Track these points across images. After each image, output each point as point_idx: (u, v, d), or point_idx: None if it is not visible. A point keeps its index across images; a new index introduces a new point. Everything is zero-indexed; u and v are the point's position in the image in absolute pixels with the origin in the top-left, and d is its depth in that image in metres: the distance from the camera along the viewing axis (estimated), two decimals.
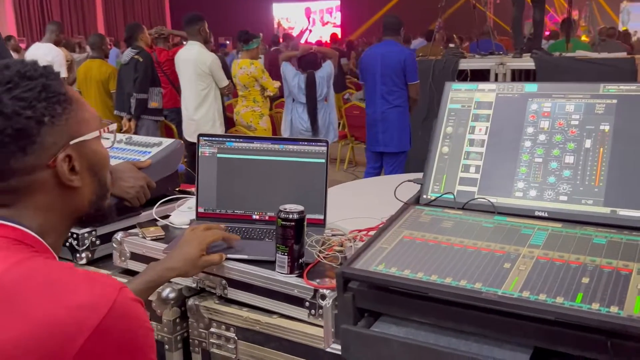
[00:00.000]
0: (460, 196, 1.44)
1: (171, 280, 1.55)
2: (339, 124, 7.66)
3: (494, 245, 1.23)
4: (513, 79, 5.58)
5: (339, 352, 1.27)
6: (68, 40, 9.31)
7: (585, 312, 0.98)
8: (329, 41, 12.26)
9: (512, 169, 1.42)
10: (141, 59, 5.25)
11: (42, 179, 0.95)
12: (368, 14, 16.86)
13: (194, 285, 1.54)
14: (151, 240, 1.64)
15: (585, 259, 1.14)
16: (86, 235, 1.69)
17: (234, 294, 1.47)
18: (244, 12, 16.53)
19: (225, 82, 5.04)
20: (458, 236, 1.28)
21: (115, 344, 0.84)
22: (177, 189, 2.05)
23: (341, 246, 1.56)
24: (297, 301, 1.37)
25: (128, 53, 5.42)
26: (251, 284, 1.44)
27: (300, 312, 1.37)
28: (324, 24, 18.95)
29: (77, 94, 1.03)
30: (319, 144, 1.69)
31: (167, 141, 2.00)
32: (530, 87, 1.49)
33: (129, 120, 5.34)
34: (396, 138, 4.69)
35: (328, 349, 1.30)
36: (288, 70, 5.05)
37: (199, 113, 4.97)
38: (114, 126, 1.16)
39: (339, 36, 12.42)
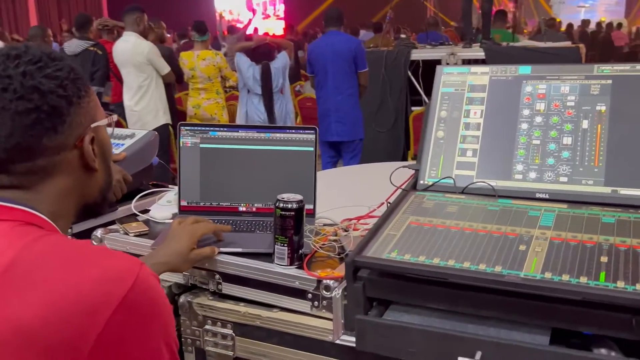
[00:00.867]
0: (458, 180, 1.42)
1: (160, 277, 1.48)
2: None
3: (504, 228, 1.21)
4: None
5: (349, 344, 1.23)
6: (2, 35, 8.86)
7: (612, 291, 0.98)
8: (282, 33, 12.16)
9: (510, 151, 1.41)
10: (100, 52, 5.04)
11: (67, 159, 0.93)
12: (312, 6, 16.82)
13: (183, 281, 1.47)
14: (135, 236, 1.55)
15: (599, 239, 1.13)
16: None
17: (229, 288, 1.41)
18: (184, 4, 16.18)
19: (167, 69, 4.88)
20: (466, 220, 1.26)
21: (141, 317, 0.82)
22: (151, 183, 1.96)
23: (335, 235, 1.51)
24: (299, 293, 1.32)
25: (79, 44, 5.17)
26: (248, 277, 1.38)
27: (303, 305, 1.32)
28: (267, 16, 18.79)
29: None
30: (307, 131, 1.64)
31: (140, 132, 1.90)
32: (524, 69, 1.48)
33: None
34: (350, 127, 4.70)
35: (337, 341, 1.25)
36: (242, 61, 4.95)
37: (141, 104, 4.81)
38: (115, 117, 1.10)
39: (285, 28, 12.33)
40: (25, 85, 0.87)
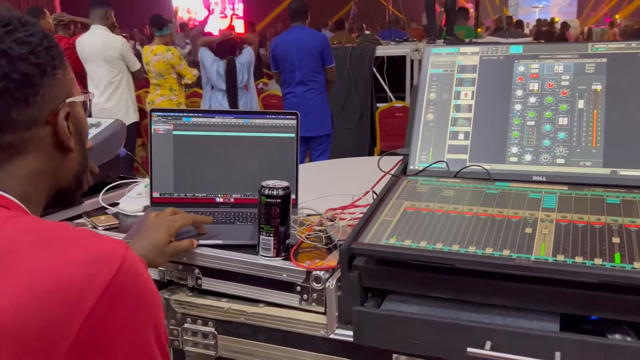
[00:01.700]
0: (451, 164, 1.36)
1: None
2: None
3: (506, 211, 1.15)
4: None
5: (344, 338, 1.14)
6: None
7: (630, 272, 0.92)
8: (243, 31, 11.99)
9: (504, 133, 1.35)
10: None
11: (39, 136, 0.83)
12: (272, 5, 16.67)
13: (159, 277, 1.36)
14: (104, 229, 1.43)
15: (607, 219, 1.08)
16: None
17: (210, 283, 1.31)
18: (141, 2, 15.83)
19: (137, 65, 4.74)
20: (464, 204, 1.19)
21: (128, 304, 0.72)
22: (118, 176, 1.83)
23: (321, 225, 1.43)
24: (287, 286, 1.23)
25: None
26: (230, 271, 1.28)
27: (291, 298, 1.23)
28: (225, 15, 18.54)
29: None
30: (288, 116, 1.55)
31: (106, 121, 1.78)
32: (516, 48, 1.42)
33: None
34: (318, 122, 4.61)
35: (332, 335, 1.17)
36: (206, 56, 4.81)
37: (112, 101, 4.63)
38: (92, 95, 0.99)
39: (245, 26, 12.13)
40: None
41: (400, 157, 1.45)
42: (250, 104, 4.91)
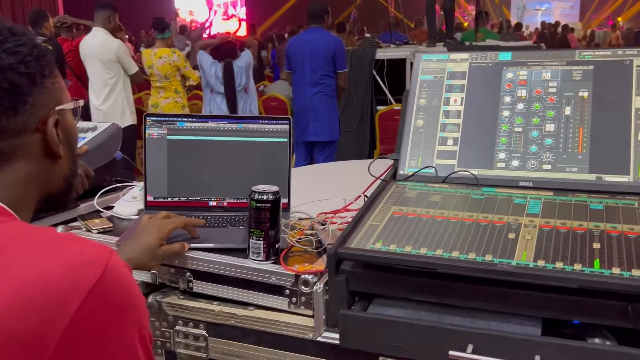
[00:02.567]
0: (439, 170, 1.38)
1: None
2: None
3: (491, 216, 1.17)
4: None
5: (332, 341, 1.16)
6: None
7: (608, 277, 0.94)
8: (246, 33, 12.02)
9: (492, 139, 1.37)
10: (51, 48, 4.84)
11: (28, 143, 0.85)
12: (274, 7, 16.71)
13: (151, 280, 1.38)
14: (98, 233, 1.46)
15: (589, 225, 1.10)
16: None
17: (201, 286, 1.33)
18: (144, 3, 15.88)
19: (134, 68, 4.76)
20: (451, 209, 1.21)
21: (113, 308, 0.74)
22: (114, 179, 1.86)
23: (312, 229, 1.45)
24: (276, 290, 1.25)
25: None
26: (221, 274, 1.30)
27: (280, 302, 1.25)
28: (229, 17, 18.58)
29: None
30: (281, 121, 1.57)
31: (102, 125, 1.80)
32: (505, 55, 1.44)
33: None
34: (327, 126, 4.60)
35: (319, 338, 1.19)
36: (205, 59, 4.84)
37: (107, 103, 4.66)
38: (82, 102, 1.01)
39: (247, 28, 12.17)
40: None
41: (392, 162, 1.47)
42: (250, 107, 4.93)
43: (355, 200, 1.53)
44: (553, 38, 12.70)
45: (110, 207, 1.63)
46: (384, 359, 1.14)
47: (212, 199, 1.58)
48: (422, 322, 1.04)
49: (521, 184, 1.31)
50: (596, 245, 1.03)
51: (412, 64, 5.77)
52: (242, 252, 1.31)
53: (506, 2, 21.17)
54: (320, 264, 1.25)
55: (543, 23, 15.52)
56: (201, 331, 1.32)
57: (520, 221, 1.14)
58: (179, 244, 1.31)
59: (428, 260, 1.04)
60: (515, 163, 1.34)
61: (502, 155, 1.35)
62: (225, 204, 1.58)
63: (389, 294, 1.12)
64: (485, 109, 1.40)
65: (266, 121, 1.57)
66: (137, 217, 1.57)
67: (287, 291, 1.24)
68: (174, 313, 1.34)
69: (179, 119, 1.57)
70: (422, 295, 1.09)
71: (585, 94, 1.34)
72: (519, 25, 13.38)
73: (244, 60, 4.81)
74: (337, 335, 1.13)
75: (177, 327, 1.34)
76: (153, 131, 1.56)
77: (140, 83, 5.09)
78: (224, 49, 4.79)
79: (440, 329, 1.02)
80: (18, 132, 0.83)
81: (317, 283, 1.18)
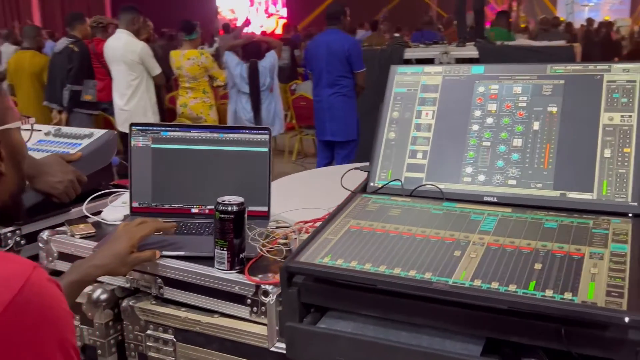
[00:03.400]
0: (408, 183, 1.39)
1: (103, 281, 1.45)
2: (287, 115, 7.59)
3: (443, 232, 1.17)
4: None
5: (284, 351, 1.19)
6: (11, 32, 8.86)
7: (539, 300, 0.94)
8: (280, 31, 12.15)
9: (460, 153, 1.37)
10: (76, 49, 5.01)
11: None
12: (314, 5, 16.76)
13: (127, 285, 1.44)
14: (80, 238, 1.52)
15: (537, 244, 1.09)
16: (9, 234, 1.56)
17: (171, 293, 1.38)
18: (186, 3, 16.16)
19: (157, 70, 4.87)
20: (406, 224, 1.22)
21: (30, 322, 0.77)
22: (111, 183, 1.93)
23: (286, 239, 1.48)
24: (238, 299, 1.29)
25: (63, 42, 5.17)
26: (188, 282, 1.35)
27: (242, 311, 1.29)
28: (269, 15, 18.75)
29: None
30: (261, 132, 1.61)
31: (98, 132, 1.87)
32: (477, 69, 1.44)
33: (60, 112, 5.09)
34: (343, 127, 4.64)
35: (273, 348, 1.22)
36: (231, 59, 4.92)
37: (131, 103, 4.79)
38: (32, 120, 1.07)
39: (288, 26, 12.31)
40: None
41: None
42: (274, 108, 4.99)
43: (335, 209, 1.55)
44: (597, 35, 12.33)
45: (100, 212, 1.69)
46: None
47: (195, 206, 1.62)
48: (361, 337, 1.05)
49: (486, 199, 1.31)
50: (537, 266, 1.02)
51: (441, 63, 5.78)
52: (212, 261, 1.35)
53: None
54: None
55: (588, 20, 15.09)
56: (170, 336, 1.37)
57: (470, 238, 1.14)
58: (149, 252, 1.36)
59: (368, 276, 1.06)
60: (481, 178, 1.34)
61: (469, 170, 1.35)
62: (206, 211, 1.62)
63: (338, 308, 1.15)
64: (455, 122, 1.40)
65: (247, 131, 1.61)
66: (122, 222, 1.63)
67: (249, 300, 1.27)
68: (145, 318, 1.39)
69: (163, 128, 1.62)
70: (367, 309, 1.11)
71: (555, 109, 1.33)
72: (569, 25, 13.04)
73: (269, 60, 4.87)
74: None
75: (148, 332, 1.39)
76: (138, 140, 1.62)
77: (162, 84, 5.19)
78: (250, 49, 4.86)
79: (379, 345, 1.04)
80: None
81: (270, 295, 1.22)
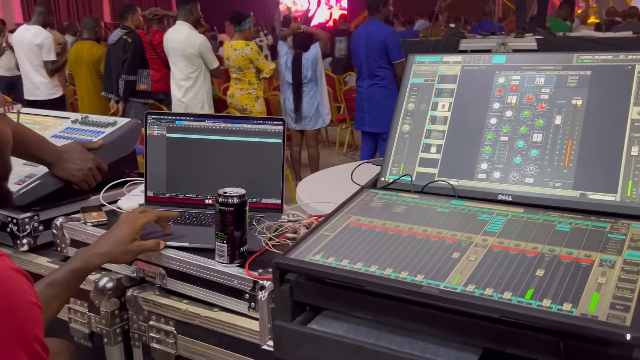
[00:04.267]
0: (419, 178, 1.31)
1: (111, 269, 1.45)
2: (340, 107, 7.53)
3: (445, 232, 1.10)
4: None
5: None
6: (72, 24, 9.17)
7: (534, 310, 0.86)
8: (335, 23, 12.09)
9: (476, 148, 1.29)
10: (130, 40, 5.11)
11: None
12: None
13: (134, 274, 1.43)
14: (92, 225, 1.53)
15: (544, 249, 1.01)
16: (27, 220, 1.58)
17: (173, 284, 1.36)
18: None
19: (215, 63, 4.91)
20: (408, 222, 1.15)
21: None
22: (135, 172, 1.93)
23: (294, 233, 1.43)
24: (237, 293, 1.26)
25: (117, 33, 5.29)
26: (190, 274, 1.32)
27: (241, 306, 1.25)
28: (330, 7, 18.66)
29: None
30: (275, 122, 1.56)
31: (122, 120, 1.88)
32: (499, 58, 1.35)
33: (117, 102, 5.21)
34: (381, 118, 4.57)
35: (264, 347, 1.18)
36: (281, 48, 4.93)
37: (188, 95, 4.84)
38: (18, 106, 1.06)
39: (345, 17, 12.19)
40: None
41: None
42: (318, 100, 4.94)
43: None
44: None
45: (117, 201, 1.70)
46: None
47: (208, 197, 1.60)
48: (348, 340, 1.00)
49: (500, 197, 1.22)
50: (540, 273, 0.94)
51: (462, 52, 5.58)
52: (214, 253, 1.32)
53: None
54: None
55: None
56: (171, 328, 1.35)
57: (473, 239, 1.06)
58: (153, 241, 1.34)
59: (357, 276, 1.00)
60: (496, 175, 1.25)
61: (484, 166, 1.27)
62: None
63: (330, 307, 1.09)
64: (472, 115, 1.32)
65: (261, 122, 1.57)
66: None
67: (247, 295, 1.24)
68: (148, 308, 1.38)
69: (178, 117, 1.61)
70: (359, 311, 1.05)
71: (579, 102, 1.22)
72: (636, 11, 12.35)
73: (312, 53, 4.83)
74: None
75: (151, 322, 1.38)
76: (153, 129, 1.61)
77: (220, 78, 5.22)
78: (298, 40, 4.84)
79: (366, 350, 0.98)
80: None
81: (263, 291, 1.18)
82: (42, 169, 1.65)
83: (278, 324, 1.07)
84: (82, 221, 1.55)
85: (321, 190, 2.30)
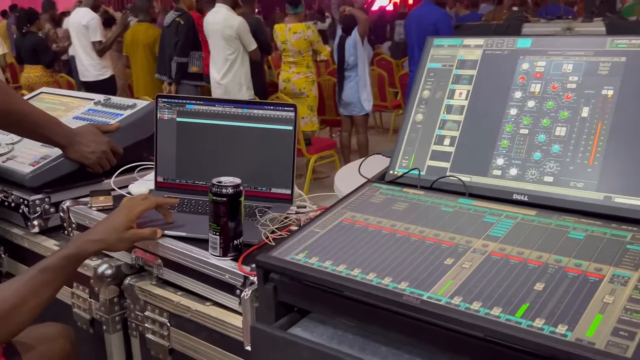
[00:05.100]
0: (430, 173, 1.21)
1: (113, 256, 1.42)
2: (397, 93, 7.37)
3: (443, 234, 0.99)
4: None
5: None
6: (134, 6, 9.35)
7: (522, 331, 0.75)
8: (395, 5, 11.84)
9: (493, 141, 1.17)
10: (182, 22, 5.12)
11: None
12: None
13: (133, 262, 1.39)
14: (97, 210, 1.50)
15: (549, 258, 0.89)
16: (37, 202, 1.57)
17: (169, 275, 1.31)
18: None
19: (253, 45, 4.84)
20: (406, 221, 1.05)
21: None
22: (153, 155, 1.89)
23: (299, 226, 1.35)
24: (229, 288, 1.19)
25: (170, 15, 5.31)
26: (185, 265, 1.27)
27: (232, 301, 1.19)
28: None
29: None
30: (286, 108, 1.48)
31: (141, 103, 1.84)
32: (524, 42, 1.22)
33: (170, 84, 5.25)
34: None
35: (248, 347, 1.11)
36: (338, 31, 4.84)
37: (227, 78, 4.82)
38: None
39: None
40: None
41: None
42: (361, 87, 4.81)
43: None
44: None
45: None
46: None
47: None
48: (325, 349, 0.91)
49: (515, 197, 1.10)
50: (539, 286, 0.83)
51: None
52: None
53: None
54: None
55: None
56: (165, 320, 1.31)
57: (472, 244, 0.95)
58: (150, 229, 1.30)
59: (337, 280, 0.91)
60: (513, 171, 1.13)
61: (500, 161, 1.15)
62: None
63: (314, 310, 1.01)
64: (491, 105, 1.20)
65: (272, 107, 1.49)
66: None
67: (238, 291, 1.17)
68: (144, 298, 1.34)
69: (188, 101, 1.55)
70: (341, 317, 0.96)
71: (610, 92, 1.08)
72: None
73: (352, 37, 4.69)
74: None
75: (147, 313, 1.34)
76: (164, 113, 1.56)
77: (258, 60, 5.14)
78: (345, 23, 4.73)
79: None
80: None
81: (247, 289, 1.10)
82: (57, 151, 1.63)
83: (254, 325, 1.00)
84: (88, 205, 1.53)
85: (360, 179, 2.20)
